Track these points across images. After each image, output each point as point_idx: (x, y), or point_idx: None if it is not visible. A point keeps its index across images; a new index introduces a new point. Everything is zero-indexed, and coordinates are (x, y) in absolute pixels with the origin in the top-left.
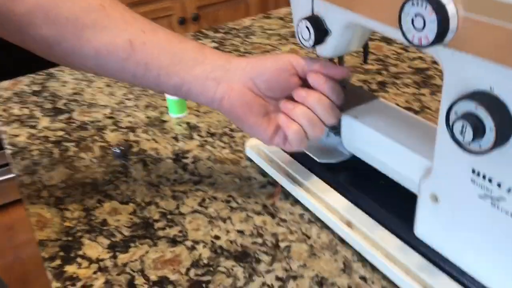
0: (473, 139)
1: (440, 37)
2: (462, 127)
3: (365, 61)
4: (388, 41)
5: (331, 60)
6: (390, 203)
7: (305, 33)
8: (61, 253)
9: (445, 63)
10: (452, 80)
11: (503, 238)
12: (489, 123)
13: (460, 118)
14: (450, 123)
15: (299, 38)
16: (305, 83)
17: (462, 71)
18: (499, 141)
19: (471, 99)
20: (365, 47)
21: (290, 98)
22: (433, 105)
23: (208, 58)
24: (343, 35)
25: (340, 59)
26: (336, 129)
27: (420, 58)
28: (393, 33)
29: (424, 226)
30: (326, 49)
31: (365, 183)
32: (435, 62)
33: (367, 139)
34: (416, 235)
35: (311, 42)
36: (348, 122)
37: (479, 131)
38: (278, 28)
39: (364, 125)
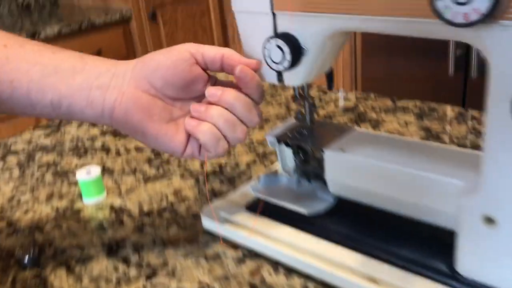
0: None
1: (495, 7)
2: None
3: (330, 87)
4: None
5: (301, 91)
6: (410, 244)
7: (276, 54)
8: None
9: (493, 43)
10: (505, 64)
11: None
12: None
13: None
14: None
15: (266, 61)
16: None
17: None
18: None
19: None
20: (330, 71)
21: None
22: None
23: (89, 64)
24: (321, 51)
25: (305, 89)
26: (307, 175)
27: (344, 98)
28: (403, 27)
29: (472, 259)
30: (298, 73)
31: (370, 227)
32: (365, 98)
33: (365, 173)
34: (460, 272)
35: (286, 64)
36: (334, 158)
37: None
38: None
39: (358, 157)
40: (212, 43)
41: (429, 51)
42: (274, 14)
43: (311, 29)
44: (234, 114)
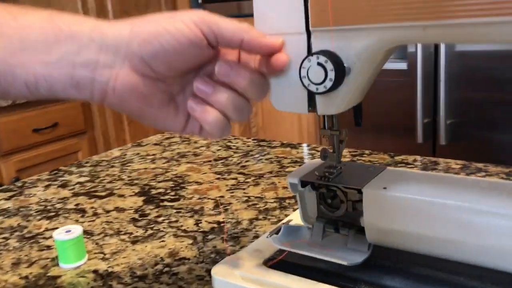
0: None
1: None
2: None
3: (358, 124)
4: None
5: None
6: None
7: (318, 74)
8: None
9: None
10: None
11: None
12: None
13: None
14: None
15: (303, 83)
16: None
17: None
18: None
19: None
20: (358, 106)
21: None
22: None
23: (64, 31)
24: (366, 71)
25: (335, 122)
26: (334, 223)
27: None
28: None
29: None
30: (336, 98)
31: (421, 280)
32: (361, 154)
33: (415, 214)
34: None
35: (329, 84)
36: (375, 199)
37: None
38: (159, 152)
39: (406, 195)
40: None
41: (397, 121)
42: (309, 33)
43: (358, 44)
44: (245, 97)
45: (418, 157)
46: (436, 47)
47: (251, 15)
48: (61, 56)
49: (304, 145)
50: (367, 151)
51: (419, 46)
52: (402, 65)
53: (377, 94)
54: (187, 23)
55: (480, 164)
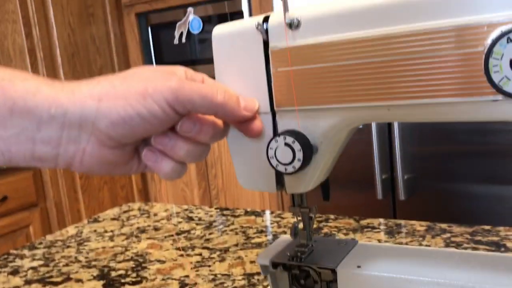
0: None
1: None
2: None
3: (326, 198)
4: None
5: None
6: None
7: (286, 155)
8: None
9: None
10: None
11: None
12: None
13: None
14: None
15: (271, 163)
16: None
17: None
18: None
19: None
20: (325, 182)
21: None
22: None
23: (19, 105)
24: (333, 149)
25: (304, 199)
26: None
27: None
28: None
29: None
30: (304, 176)
31: None
32: (326, 220)
33: None
34: None
35: (297, 165)
36: (349, 279)
37: None
38: (117, 228)
39: (382, 274)
40: (130, 183)
41: (356, 177)
42: (273, 112)
43: (324, 124)
44: (204, 144)
45: (382, 220)
46: None
47: None
48: (18, 131)
49: (268, 212)
50: (332, 216)
51: None
52: None
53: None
54: (160, 104)
55: (444, 225)
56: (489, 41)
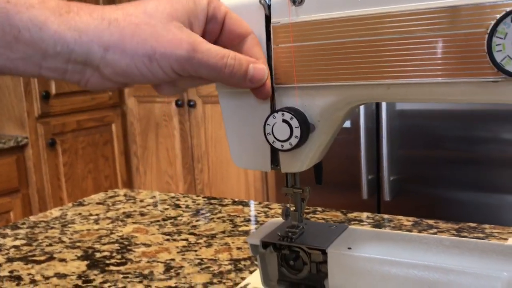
0: None
1: None
2: None
3: (319, 181)
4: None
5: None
6: None
7: (283, 131)
8: None
9: None
10: None
11: None
12: None
13: None
14: None
15: (268, 140)
16: None
17: None
18: None
19: None
20: (319, 164)
21: None
22: None
23: (25, 36)
24: (330, 127)
25: (297, 180)
26: (297, 287)
27: None
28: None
29: None
30: (300, 155)
31: None
32: (314, 212)
33: (383, 276)
34: None
35: (294, 142)
36: (340, 260)
37: None
38: (103, 212)
39: (372, 256)
40: (115, 173)
41: (343, 177)
42: (273, 90)
43: (322, 102)
44: None
45: (369, 214)
46: (378, 106)
47: None
48: (24, 56)
49: (256, 202)
50: (319, 208)
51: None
52: (346, 123)
53: None
54: (165, 69)
55: (430, 221)
56: (492, 22)
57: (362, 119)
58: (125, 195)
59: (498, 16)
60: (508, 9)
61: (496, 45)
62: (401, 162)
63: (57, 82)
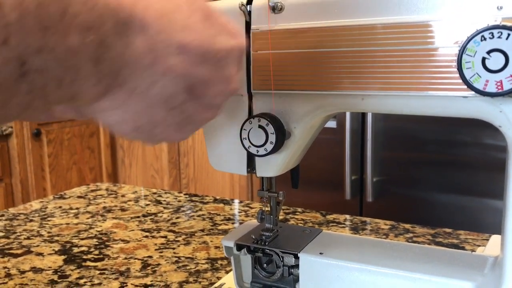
0: None
1: None
2: None
3: (295, 185)
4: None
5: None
6: None
7: (259, 137)
8: None
9: None
10: None
11: None
12: None
13: None
14: None
15: (244, 144)
16: None
17: None
18: None
19: None
20: (296, 168)
21: None
22: None
23: None
24: (307, 135)
25: (273, 184)
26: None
27: None
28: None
29: None
30: (276, 160)
31: None
32: (293, 212)
33: (354, 281)
34: None
35: (269, 147)
36: (311, 264)
37: None
38: (83, 206)
39: (343, 262)
40: (100, 165)
41: (326, 177)
42: (250, 95)
43: (298, 109)
44: None
45: (348, 216)
46: None
47: None
48: None
49: (237, 201)
50: (299, 209)
51: None
52: (332, 123)
53: (307, 150)
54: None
55: (407, 225)
56: (463, 38)
57: (348, 120)
58: (107, 189)
59: (469, 34)
60: (478, 27)
61: (466, 62)
62: (384, 164)
63: None
